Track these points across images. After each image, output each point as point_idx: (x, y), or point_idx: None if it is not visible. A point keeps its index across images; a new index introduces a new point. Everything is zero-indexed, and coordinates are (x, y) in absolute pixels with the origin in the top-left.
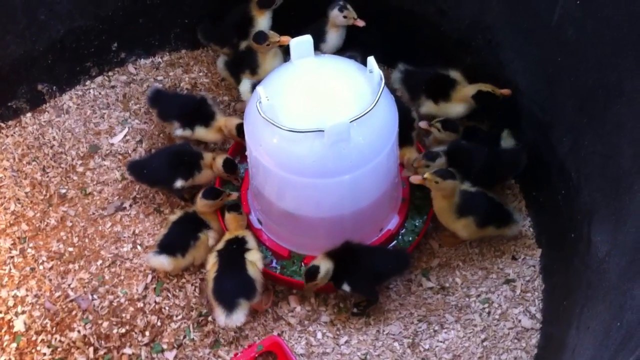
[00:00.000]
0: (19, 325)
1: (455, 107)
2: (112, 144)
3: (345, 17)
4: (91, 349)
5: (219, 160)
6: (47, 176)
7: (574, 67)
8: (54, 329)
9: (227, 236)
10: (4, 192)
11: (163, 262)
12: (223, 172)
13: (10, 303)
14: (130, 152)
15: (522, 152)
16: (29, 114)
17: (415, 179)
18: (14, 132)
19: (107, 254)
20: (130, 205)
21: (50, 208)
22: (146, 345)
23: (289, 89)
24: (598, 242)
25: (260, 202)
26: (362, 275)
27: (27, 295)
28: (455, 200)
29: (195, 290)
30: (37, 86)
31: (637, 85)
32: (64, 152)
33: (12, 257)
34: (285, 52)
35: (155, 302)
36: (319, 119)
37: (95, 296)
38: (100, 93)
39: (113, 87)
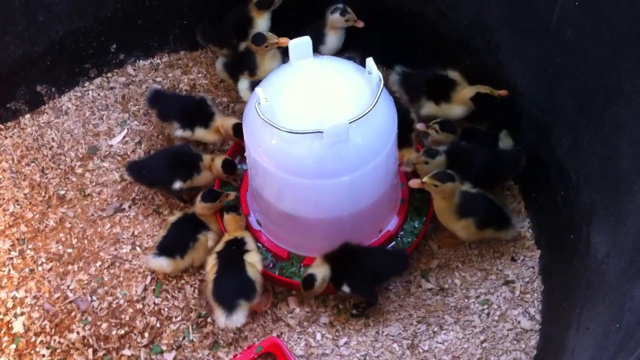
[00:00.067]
0: (18, 326)
1: (456, 109)
2: (111, 145)
3: (346, 20)
4: (90, 350)
5: (218, 161)
6: (46, 177)
7: (573, 67)
8: (53, 330)
9: (226, 237)
10: (3, 193)
11: (162, 264)
12: (222, 173)
13: (10, 304)
14: (129, 153)
15: (521, 153)
16: (27, 115)
17: (414, 183)
18: (13, 134)
19: (106, 255)
20: (130, 207)
21: (49, 209)
22: (145, 346)
23: (288, 90)
24: (597, 243)
25: (259, 203)
26: (362, 276)
27: (26, 297)
28: (455, 201)
29: (194, 291)
30: (36, 87)
31: (636, 85)
32: (63, 154)
33: (11, 258)
34: (284, 54)
35: (154, 303)
36: (318, 120)
37: (94, 297)
38: (99, 94)
39: (112, 88)
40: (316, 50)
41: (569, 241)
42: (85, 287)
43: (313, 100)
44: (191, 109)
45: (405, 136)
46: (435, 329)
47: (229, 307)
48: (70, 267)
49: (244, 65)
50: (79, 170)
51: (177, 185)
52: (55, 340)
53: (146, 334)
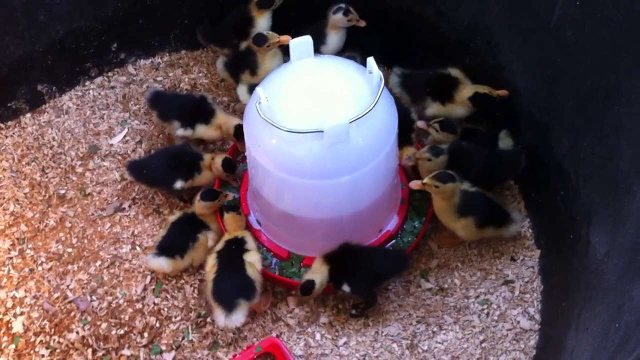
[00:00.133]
0: (17, 326)
1: (460, 109)
2: (112, 145)
3: (349, 20)
4: (90, 350)
5: (218, 160)
6: (47, 177)
7: (573, 68)
8: (53, 330)
9: (226, 237)
10: (3, 192)
11: (162, 264)
12: (222, 173)
13: (9, 304)
14: (129, 152)
15: (521, 154)
16: (28, 115)
17: (415, 185)
18: (14, 133)
19: (106, 255)
20: (130, 206)
21: (50, 209)
22: (145, 346)
23: (288, 89)
24: (597, 243)
25: (259, 203)
26: (362, 276)
27: (25, 297)
28: (455, 200)
29: (194, 291)
30: (37, 87)
31: (636, 86)
32: (64, 153)
33: (11, 258)
34: (285, 53)
35: (154, 303)
36: (318, 119)
37: (94, 297)
38: (99, 94)
39: (112, 87)
40: (317, 50)
41: (568, 241)
42: (85, 287)
43: (313, 100)
44: (191, 108)
45: (405, 136)
46: (435, 329)
47: (229, 307)
48: (70, 266)
49: (244, 65)
50: (80, 170)
51: (178, 184)
52: (54, 340)
53: (145, 334)
